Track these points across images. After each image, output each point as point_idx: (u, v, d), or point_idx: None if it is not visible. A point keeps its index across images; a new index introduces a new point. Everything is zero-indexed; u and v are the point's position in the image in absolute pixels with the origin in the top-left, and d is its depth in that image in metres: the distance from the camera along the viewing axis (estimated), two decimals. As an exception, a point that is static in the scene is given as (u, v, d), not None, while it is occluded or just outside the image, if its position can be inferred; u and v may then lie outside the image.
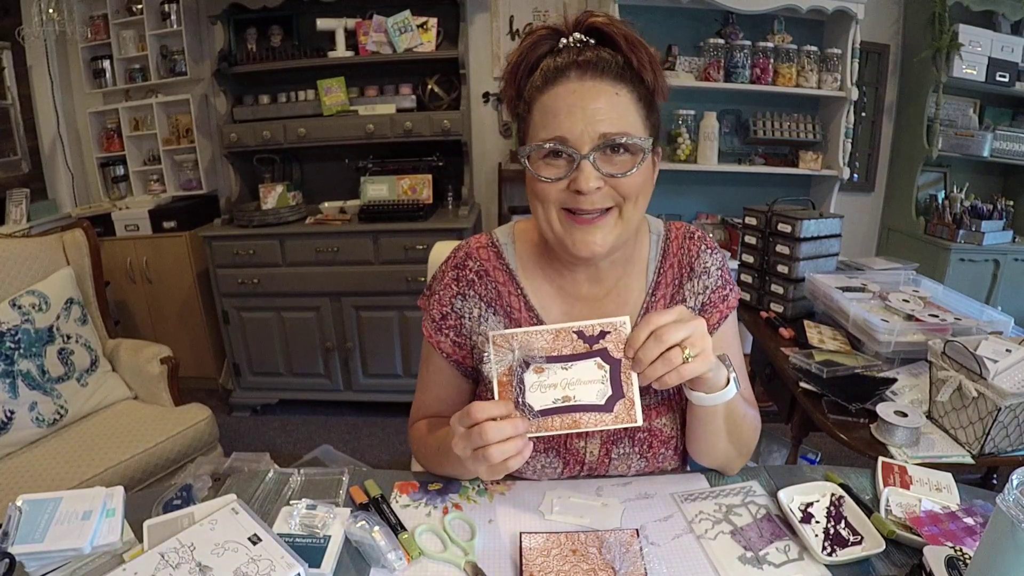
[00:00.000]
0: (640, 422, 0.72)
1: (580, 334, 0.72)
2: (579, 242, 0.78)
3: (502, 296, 0.89)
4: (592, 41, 0.77)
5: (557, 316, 0.89)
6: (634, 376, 0.72)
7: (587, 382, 0.72)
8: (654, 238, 0.92)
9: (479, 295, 0.89)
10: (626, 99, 0.75)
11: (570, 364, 0.72)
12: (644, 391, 0.86)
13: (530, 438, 0.72)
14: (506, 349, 0.72)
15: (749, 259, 2.07)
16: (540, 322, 0.88)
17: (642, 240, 0.91)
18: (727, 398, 0.75)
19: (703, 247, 0.91)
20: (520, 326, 0.87)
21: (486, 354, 0.74)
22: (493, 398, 0.73)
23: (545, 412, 0.73)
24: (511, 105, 0.82)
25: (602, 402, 0.72)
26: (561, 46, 0.77)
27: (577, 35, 0.77)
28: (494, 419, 0.69)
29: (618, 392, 0.72)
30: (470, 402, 0.94)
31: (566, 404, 0.72)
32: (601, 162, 0.75)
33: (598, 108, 0.73)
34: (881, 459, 0.89)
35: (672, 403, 0.89)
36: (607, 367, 0.72)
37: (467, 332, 0.89)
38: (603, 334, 0.72)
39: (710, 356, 0.69)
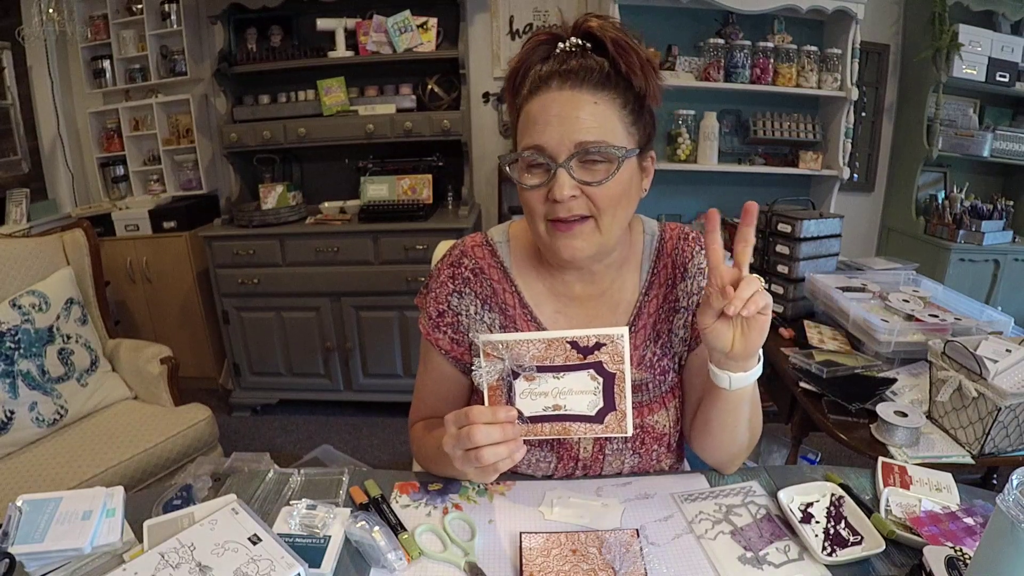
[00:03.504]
0: (630, 432, 0.73)
1: (574, 344, 0.71)
2: (561, 247, 0.79)
3: (497, 293, 0.89)
4: (589, 46, 0.78)
5: (550, 314, 0.89)
6: (627, 388, 0.72)
7: (579, 393, 0.72)
8: (648, 238, 0.92)
9: (475, 292, 0.89)
10: (606, 108, 0.76)
11: (562, 374, 0.72)
12: (637, 388, 0.87)
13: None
14: (495, 357, 0.72)
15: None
16: (535, 319, 0.89)
17: (636, 240, 0.92)
18: (758, 374, 0.76)
19: (698, 248, 0.91)
20: (515, 323, 0.88)
21: (475, 361, 0.74)
22: (484, 404, 0.73)
23: (535, 419, 0.73)
24: (510, 109, 0.85)
25: (593, 413, 0.72)
26: (558, 51, 0.78)
27: (573, 40, 0.78)
28: (486, 423, 0.70)
29: (610, 405, 0.72)
30: (468, 398, 0.95)
31: (556, 413, 0.73)
32: (578, 171, 0.76)
33: (577, 117, 0.74)
34: (881, 459, 0.89)
35: (665, 400, 0.89)
36: (600, 379, 0.72)
37: (464, 329, 0.90)
38: (598, 346, 0.71)
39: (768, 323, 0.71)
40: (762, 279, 0.72)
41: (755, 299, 0.67)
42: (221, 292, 2.61)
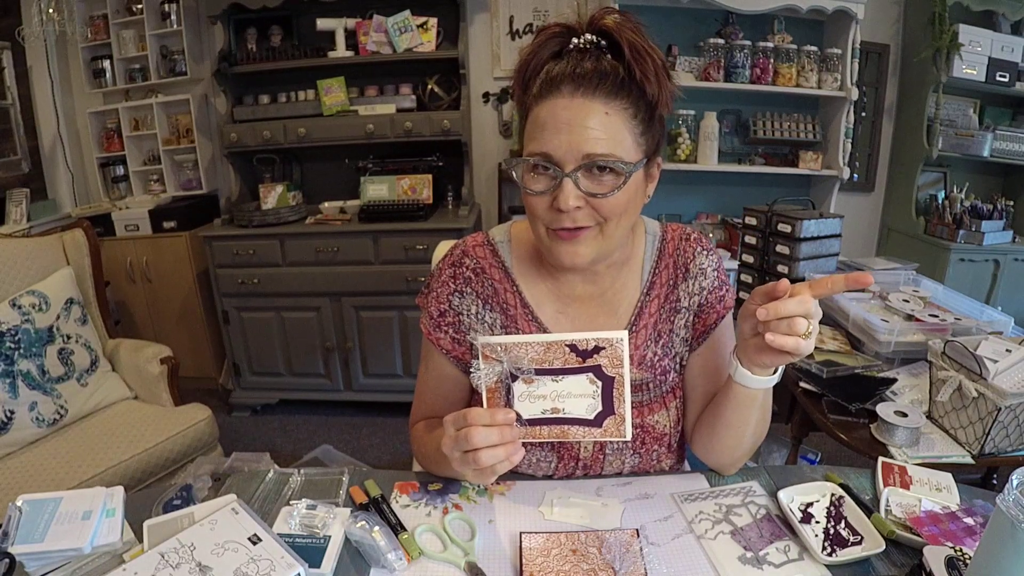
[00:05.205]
0: (629, 437, 0.73)
1: (573, 348, 0.71)
2: (563, 253, 0.79)
3: (498, 293, 0.89)
4: (603, 43, 0.75)
5: (551, 314, 0.89)
6: (627, 393, 0.72)
7: (578, 396, 0.72)
8: (650, 239, 0.92)
9: (476, 292, 0.89)
10: (617, 118, 0.73)
11: (561, 377, 0.72)
12: (638, 388, 0.87)
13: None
14: (494, 359, 0.72)
15: (749, 259, 2.07)
16: (536, 319, 0.88)
17: (637, 241, 0.92)
18: (768, 384, 0.76)
19: (699, 248, 0.91)
20: (516, 323, 0.88)
21: (474, 363, 0.74)
22: (483, 406, 0.73)
23: (533, 422, 0.73)
24: (518, 104, 0.82)
25: (591, 417, 0.72)
26: (571, 47, 0.76)
27: (588, 36, 0.75)
28: (484, 425, 0.69)
29: (608, 409, 0.72)
30: (469, 399, 0.95)
31: (555, 416, 0.72)
32: (584, 181, 0.74)
33: (586, 127, 0.72)
34: (881, 459, 0.89)
35: (666, 400, 0.89)
36: (599, 383, 0.71)
37: (465, 328, 0.90)
38: (597, 349, 0.71)
39: (814, 341, 0.69)
40: (814, 329, 0.67)
41: (788, 324, 0.66)
42: (221, 292, 2.61)
